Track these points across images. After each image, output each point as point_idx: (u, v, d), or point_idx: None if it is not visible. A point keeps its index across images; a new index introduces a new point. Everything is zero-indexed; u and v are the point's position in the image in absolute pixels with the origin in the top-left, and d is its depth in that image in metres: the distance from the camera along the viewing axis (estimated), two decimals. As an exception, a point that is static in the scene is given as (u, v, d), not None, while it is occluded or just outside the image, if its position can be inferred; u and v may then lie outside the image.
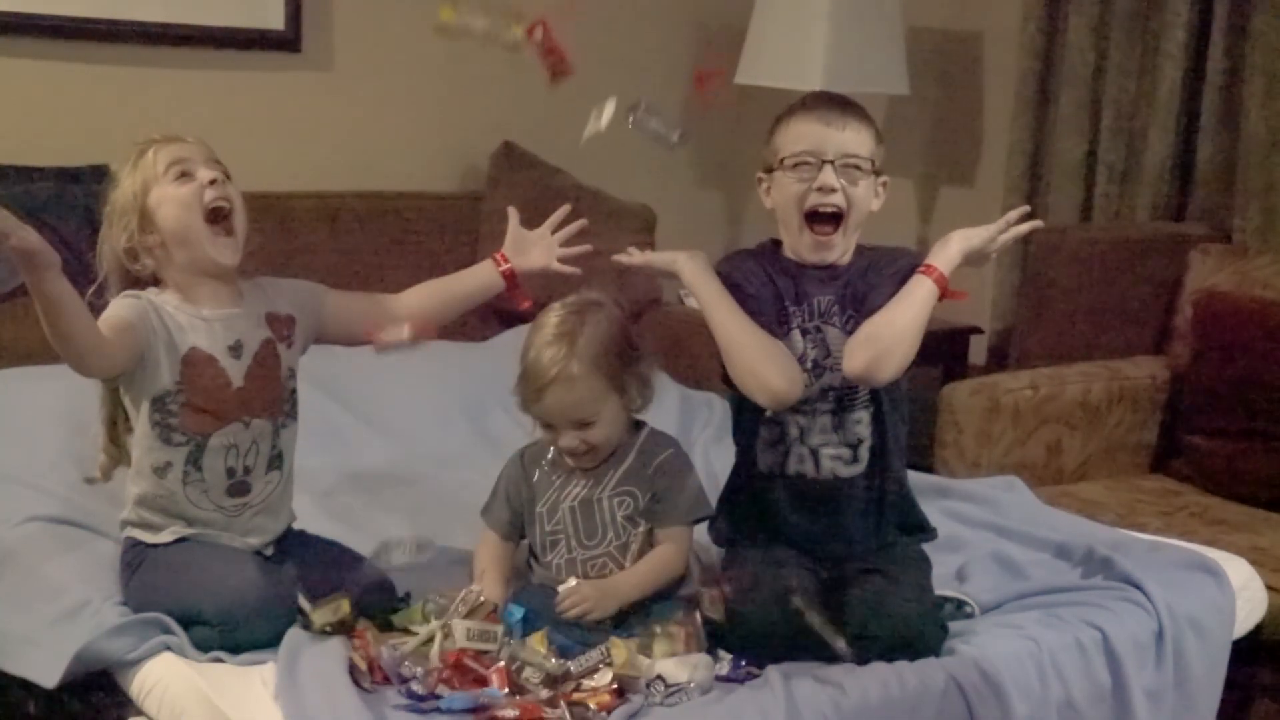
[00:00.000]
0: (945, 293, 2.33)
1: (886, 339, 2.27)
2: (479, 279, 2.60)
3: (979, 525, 2.81)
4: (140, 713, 2.17)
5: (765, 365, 2.30)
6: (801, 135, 2.37)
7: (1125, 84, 3.85)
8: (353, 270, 3.48)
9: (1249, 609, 2.66)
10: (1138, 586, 2.48)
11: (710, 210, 4.41)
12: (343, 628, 2.18)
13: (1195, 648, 2.48)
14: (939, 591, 2.42)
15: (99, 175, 2.42)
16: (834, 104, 2.40)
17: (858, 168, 2.35)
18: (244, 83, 3.66)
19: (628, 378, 2.35)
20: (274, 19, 3.66)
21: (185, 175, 2.33)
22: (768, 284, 2.39)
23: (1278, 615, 2.74)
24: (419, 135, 3.89)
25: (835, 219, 2.36)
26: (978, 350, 4.10)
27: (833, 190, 2.34)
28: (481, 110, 3.92)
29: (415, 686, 2.05)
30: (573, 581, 2.29)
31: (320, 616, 2.18)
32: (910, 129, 4.37)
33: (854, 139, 2.36)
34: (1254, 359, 3.34)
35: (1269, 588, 2.72)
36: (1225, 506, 3.27)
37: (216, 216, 2.33)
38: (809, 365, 2.37)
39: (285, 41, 3.68)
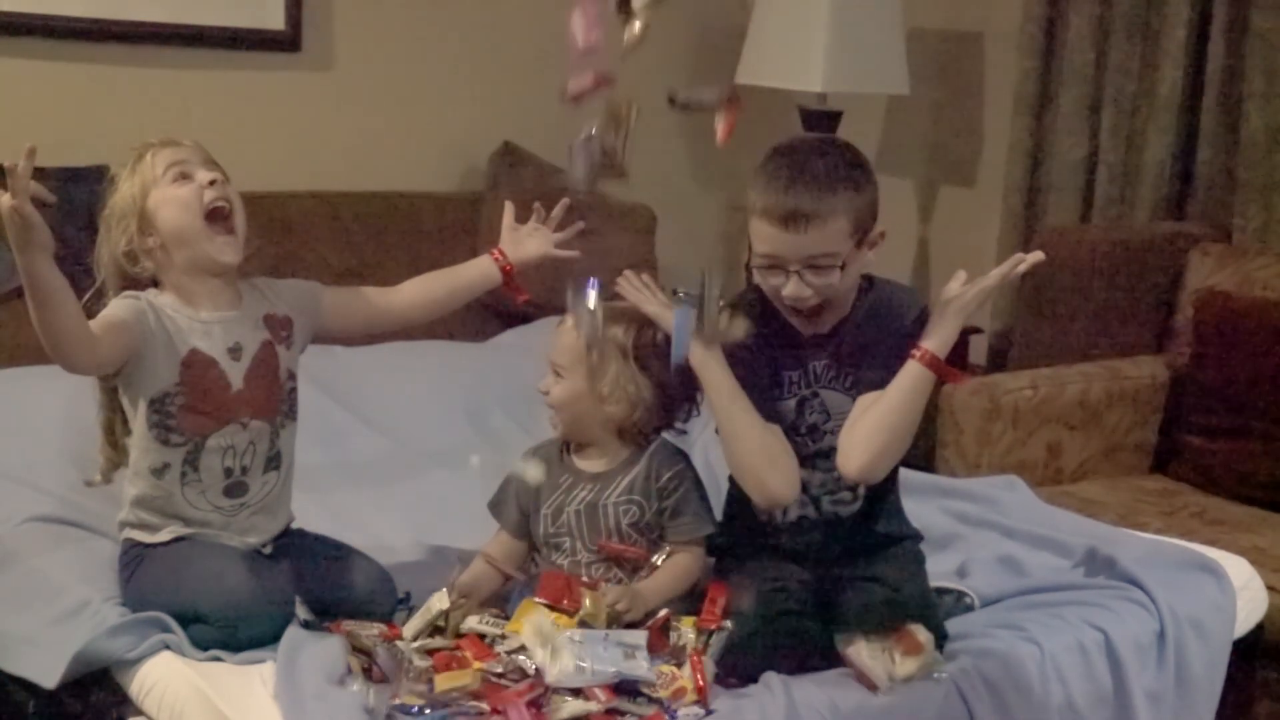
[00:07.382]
0: (942, 377, 2.24)
1: (881, 442, 2.22)
2: (477, 271, 2.60)
3: (980, 524, 2.81)
4: (140, 712, 2.17)
5: (767, 470, 2.26)
6: (763, 236, 2.24)
7: (1125, 84, 3.85)
8: (353, 270, 3.48)
9: (1249, 609, 2.66)
10: (1139, 586, 2.48)
11: (710, 211, 4.40)
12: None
13: (1196, 648, 2.48)
14: (938, 584, 2.42)
15: (99, 175, 2.42)
16: (789, 203, 2.19)
17: (825, 267, 2.22)
18: (244, 83, 3.66)
19: (617, 377, 2.34)
20: (274, 19, 3.66)
21: (184, 177, 2.33)
22: (762, 350, 2.31)
23: (1278, 615, 2.74)
24: (419, 135, 3.89)
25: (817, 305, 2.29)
26: (978, 350, 4.10)
27: (801, 297, 2.24)
28: (481, 110, 3.92)
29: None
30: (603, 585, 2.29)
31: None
32: (910, 129, 4.37)
33: (817, 239, 2.20)
34: (1254, 359, 3.33)
35: (1269, 588, 2.72)
36: (1225, 506, 3.26)
37: (216, 216, 2.33)
38: (804, 430, 2.33)
39: (285, 41, 3.68)
